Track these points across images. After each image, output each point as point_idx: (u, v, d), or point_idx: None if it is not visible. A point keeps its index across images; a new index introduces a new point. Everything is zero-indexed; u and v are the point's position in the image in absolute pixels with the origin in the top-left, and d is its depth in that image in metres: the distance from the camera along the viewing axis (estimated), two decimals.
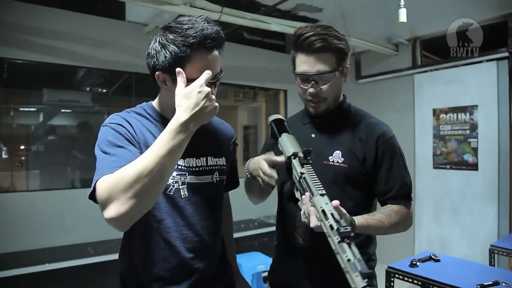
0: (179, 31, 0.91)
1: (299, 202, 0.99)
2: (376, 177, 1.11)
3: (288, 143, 1.10)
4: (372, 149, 1.10)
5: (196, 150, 1.04)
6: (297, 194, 1.04)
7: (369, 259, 1.17)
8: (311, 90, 1.11)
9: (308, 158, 1.01)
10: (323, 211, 0.84)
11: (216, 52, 0.94)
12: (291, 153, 1.05)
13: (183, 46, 0.90)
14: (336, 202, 0.86)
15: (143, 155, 0.82)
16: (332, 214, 0.82)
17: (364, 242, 1.15)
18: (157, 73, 0.94)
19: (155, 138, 0.95)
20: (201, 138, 1.07)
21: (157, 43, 0.93)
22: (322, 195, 0.89)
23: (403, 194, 1.12)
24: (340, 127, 1.16)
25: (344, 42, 1.11)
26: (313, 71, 1.09)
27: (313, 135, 1.17)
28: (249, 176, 1.18)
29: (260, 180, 1.07)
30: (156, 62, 0.93)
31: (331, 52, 1.08)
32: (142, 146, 0.95)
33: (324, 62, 1.08)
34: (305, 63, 1.10)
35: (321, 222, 0.84)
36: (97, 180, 0.82)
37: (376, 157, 1.10)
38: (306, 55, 1.10)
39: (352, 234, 0.78)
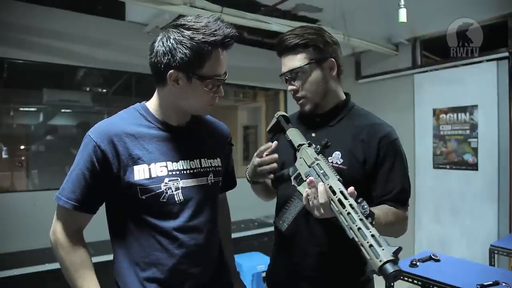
0: (196, 28, 0.90)
1: (302, 184, 1.00)
2: (375, 178, 1.09)
3: (297, 135, 1.13)
4: (373, 150, 1.08)
5: (190, 152, 1.03)
6: (294, 182, 1.04)
7: (366, 262, 1.16)
8: (289, 87, 1.15)
9: (323, 150, 1.03)
10: (342, 192, 0.85)
11: (225, 52, 0.96)
12: (304, 142, 1.08)
13: (204, 43, 0.89)
14: (351, 188, 0.86)
15: (78, 276, 0.95)
16: (350, 195, 0.84)
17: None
18: (170, 71, 0.91)
19: (146, 141, 0.97)
20: (195, 140, 1.06)
21: (171, 40, 0.90)
22: (339, 180, 0.90)
23: (401, 199, 1.09)
24: (341, 127, 1.15)
25: (319, 37, 1.11)
26: (286, 69, 1.13)
27: (313, 135, 1.16)
28: (250, 182, 1.19)
29: (259, 170, 1.09)
30: (172, 60, 0.90)
31: (300, 47, 1.10)
32: (125, 164, 0.94)
33: (294, 59, 1.11)
34: (282, 65, 1.15)
35: (334, 203, 0.84)
36: (59, 198, 0.95)
37: (377, 158, 1.08)
38: (281, 57, 1.15)
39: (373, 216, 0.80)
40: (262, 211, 3.88)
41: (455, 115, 3.47)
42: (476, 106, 3.31)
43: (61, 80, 3.52)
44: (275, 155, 1.09)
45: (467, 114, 3.38)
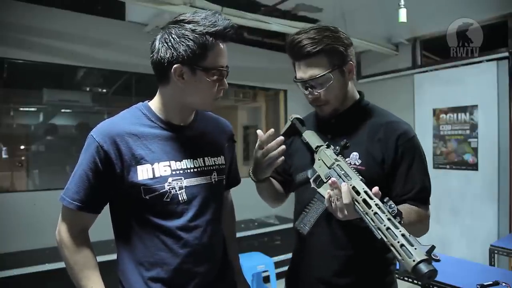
0: (196, 20, 0.91)
1: (322, 186, 0.99)
2: (394, 177, 1.06)
3: (314, 137, 1.11)
4: (391, 148, 1.05)
5: (193, 151, 1.03)
6: (313, 184, 1.02)
7: (390, 263, 1.14)
8: (310, 96, 1.10)
9: (343, 151, 1.01)
10: (366, 192, 0.83)
11: (225, 44, 0.96)
12: (322, 144, 1.06)
13: (206, 34, 0.90)
14: (376, 188, 0.85)
15: (82, 275, 0.95)
16: (375, 195, 0.83)
17: (383, 247, 1.13)
18: (175, 66, 0.91)
19: (149, 141, 0.97)
20: (198, 138, 1.06)
21: (173, 35, 0.91)
22: (361, 180, 0.89)
23: (421, 198, 1.06)
24: (357, 127, 1.11)
25: (340, 41, 1.06)
26: (306, 77, 1.06)
27: (329, 136, 1.13)
28: (254, 180, 1.15)
29: (264, 169, 1.05)
30: (175, 54, 0.90)
31: (323, 54, 1.04)
32: (128, 164, 0.94)
33: (316, 66, 1.05)
34: (299, 70, 1.09)
35: (359, 204, 0.83)
36: (63, 199, 0.95)
37: (395, 157, 1.05)
38: (299, 62, 1.08)
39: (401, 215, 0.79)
40: (262, 211, 3.88)
41: (455, 115, 3.47)
42: (476, 106, 3.31)
43: (61, 80, 3.52)
44: (281, 138, 1.03)
45: (467, 114, 3.38)
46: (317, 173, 1.03)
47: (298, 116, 1.21)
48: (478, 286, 1.71)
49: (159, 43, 0.93)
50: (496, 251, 2.46)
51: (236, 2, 3.02)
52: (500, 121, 3.17)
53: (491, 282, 1.73)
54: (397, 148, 1.06)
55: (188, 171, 1.00)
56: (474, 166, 3.32)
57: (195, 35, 0.90)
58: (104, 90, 3.99)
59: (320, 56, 1.04)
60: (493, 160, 3.20)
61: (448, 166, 3.52)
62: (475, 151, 3.32)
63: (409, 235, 0.73)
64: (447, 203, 3.49)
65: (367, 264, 1.10)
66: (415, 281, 1.97)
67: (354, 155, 1.07)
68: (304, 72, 1.07)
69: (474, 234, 3.28)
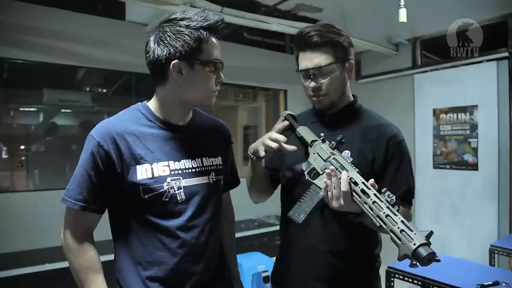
0: (189, 17, 0.95)
1: (318, 178, 1.01)
2: (383, 177, 1.10)
3: (308, 132, 1.14)
4: (382, 150, 1.10)
5: (192, 151, 1.04)
6: (308, 176, 1.05)
7: (375, 260, 1.17)
8: (312, 84, 1.13)
9: (338, 146, 1.05)
10: (363, 182, 0.87)
11: (217, 39, 1.00)
12: (317, 138, 1.09)
13: (200, 29, 0.93)
14: (371, 180, 0.89)
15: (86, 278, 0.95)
16: (372, 186, 0.87)
17: (372, 242, 1.15)
18: (173, 62, 0.93)
19: (148, 141, 0.97)
20: (196, 138, 1.07)
21: (168, 33, 0.93)
22: (358, 172, 0.92)
23: (406, 198, 1.12)
24: (350, 127, 1.16)
25: (343, 37, 1.13)
26: (312, 65, 1.11)
27: (322, 134, 1.16)
28: (251, 156, 1.16)
29: (263, 148, 1.09)
30: (172, 50, 0.93)
31: (329, 45, 1.10)
32: (128, 164, 0.95)
33: (321, 56, 1.10)
34: (304, 60, 1.13)
35: (357, 194, 0.87)
36: (65, 200, 0.94)
37: (385, 158, 1.10)
38: (305, 52, 1.13)
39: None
40: (262, 211, 3.89)
41: (455, 115, 3.47)
42: (476, 106, 3.31)
43: (61, 80, 3.53)
44: (282, 138, 1.08)
45: (467, 114, 3.38)
46: (312, 166, 1.06)
47: (291, 113, 1.24)
48: (478, 286, 1.71)
49: (154, 43, 0.96)
50: (496, 251, 2.46)
51: (236, 2, 3.02)
52: (500, 121, 3.17)
53: (491, 282, 1.73)
54: (387, 149, 1.11)
55: (187, 171, 1.01)
56: (474, 166, 3.32)
57: (190, 30, 0.93)
58: (104, 90, 4.00)
59: (326, 47, 1.10)
60: (493, 160, 3.20)
61: (448, 166, 3.52)
62: (475, 151, 3.32)
63: (408, 222, 0.77)
64: (447, 203, 3.49)
65: (356, 261, 1.13)
66: (415, 281, 1.97)
67: (346, 153, 1.11)
68: (309, 61, 1.11)
69: (474, 234, 3.29)
